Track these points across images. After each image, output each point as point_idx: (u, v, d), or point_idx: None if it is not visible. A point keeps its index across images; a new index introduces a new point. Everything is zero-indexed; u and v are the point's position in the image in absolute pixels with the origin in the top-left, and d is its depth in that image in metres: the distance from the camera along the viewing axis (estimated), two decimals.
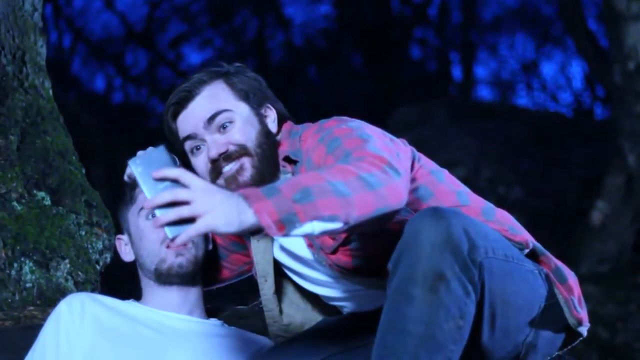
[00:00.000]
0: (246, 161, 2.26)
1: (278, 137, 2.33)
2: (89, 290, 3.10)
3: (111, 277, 3.31)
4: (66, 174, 3.28)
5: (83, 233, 3.22)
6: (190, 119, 2.29)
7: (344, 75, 14.69)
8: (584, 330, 2.21)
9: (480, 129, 9.63)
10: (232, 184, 2.24)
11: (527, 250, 2.19)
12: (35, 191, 3.19)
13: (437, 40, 15.02)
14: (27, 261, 3.05)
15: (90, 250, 3.22)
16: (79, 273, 3.15)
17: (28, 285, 3.04)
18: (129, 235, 2.51)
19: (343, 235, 2.19)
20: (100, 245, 3.25)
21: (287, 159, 2.29)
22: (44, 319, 2.44)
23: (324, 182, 1.90)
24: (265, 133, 2.30)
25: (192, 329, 2.45)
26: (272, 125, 2.33)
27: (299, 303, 2.47)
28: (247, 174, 2.25)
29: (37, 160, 3.24)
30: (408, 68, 14.88)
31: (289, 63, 14.75)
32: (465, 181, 2.45)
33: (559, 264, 2.23)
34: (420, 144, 2.63)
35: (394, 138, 2.28)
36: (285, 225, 1.84)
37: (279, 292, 2.44)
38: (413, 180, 2.23)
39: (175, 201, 1.83)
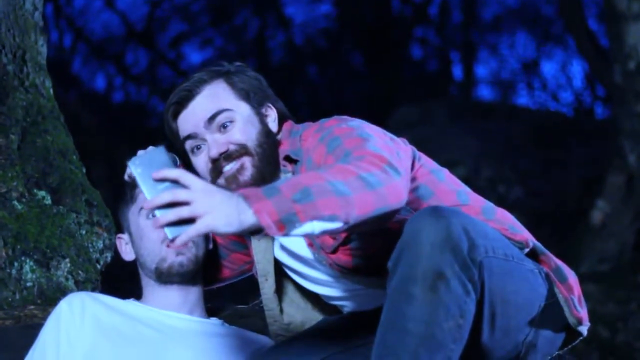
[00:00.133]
0: (247, 161, 2.26)
1: (278, 137, 2.33)
2: (90, 290, 3.10)
3: (112, 277, 3.31)
4: (67, 173, 3.29)
5: (83, 232, 3.22)
6: (190, 119, 2.29)
7: (344, 75, 14.69)
8: (584, 329, 2.21)
9: (481, 129, 9.63)
10: (233, 184, 2.24)
11: (527, 250, 2.19)
12: (35, 190, 3.19)
13: (438, 40, 15.02)
14: (28, 260, 3.05)
15: (91, 250, 3.22)
16: (80, 272, 3.15)
17: (28, 284, 3.04)
18: (130, 234, 2.51)
19: (343, 235, 2.19)
20: (100, 245, 3.25)
21: (288, 159, 2.29)
22: (45, 318, 2.44)
23: (323, 181, 1.90)
24: (266, 132, 2.30)
25: (193, 328, 2.45)
26: (273, 125, 2.33)
27: (299, 302, 2.47)
28: (248, 173, 2.25)
29: (37, 160, 3.24)
30: (408, 68, 14.88)
31: (289, 62, 14.75)
32: (466, 181, 2.45)
33: (559, 263, 2.23)
34: (420, 144, 2.62)
35: (395, 137, 2.28)
36: (285, 225, 1.84)
37: (279, 291, 2.44)
38: (413, 179, 2.23)
39: (174, 202, 1.83)
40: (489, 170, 9.10)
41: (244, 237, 2.47)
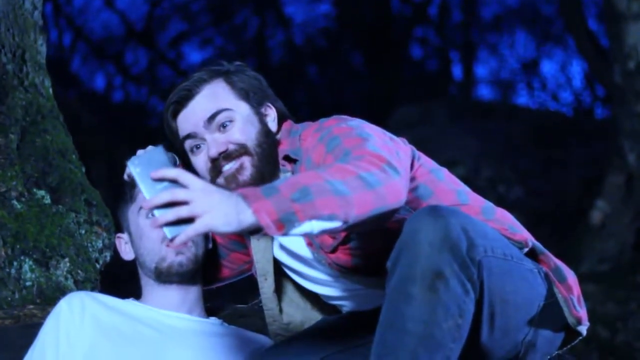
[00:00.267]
0: (246, 160, 2.26)
1: (278, 136, 2.33)
2: (89, 289, 3.10)
3: (111, 276, 3.31)
4: (66, 172, 3.28)
5: (83, 232, 3.22)
6: (190, 118, 2.29)
7: (344, 75, 14.70)
8: (583, 329, 2.21)
9: (481, 129, 9.63)
10: (232, 183, 2.24)
11: (526, 249, 2.19)
12: (35, 190, 3.19)
13: (438, 40, 15.03)
14: (27, 260, 3.05)
15: (90, 249, 3.22)
16: (79, 272, 3.15)
17: (28, 283, 3.04)
18: (129, 233, 2.51)
19: (342, 234, 2.19)
20: (100, 244, 3.25)
21: (287, 158, 2.29)
22: (44, 318, 2.44)
23: (322, 181, 1.90)
24: (265, 132, 2.30)
25: (192, 327, 2.45)
26: (272, 124, 2.33)
27: (298, 302, 2.47)
28: (247, 173, 2.25)
29: (37, 159, 3.24)
30: (408, 67, 14.89)
31: (289, 62, 14.76)
32: (465, 181, 2.45)
33: (559, 263, 2.23)
34: (420, 144, 2.62)
35: (394, 137, 2.28)
36: (284, 225, 1.84)
37: (278, 291, 2.44)
38: (413, 179, 2.23)
39: (173, 201, 1.83)
40: (489, 170, 9.10)
41: (243, 237, 2.47)
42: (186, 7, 14.65)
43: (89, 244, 3.23)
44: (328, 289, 2.37)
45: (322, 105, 13.89)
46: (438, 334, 1.92)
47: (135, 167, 1.94)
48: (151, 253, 2.44)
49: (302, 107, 13.61)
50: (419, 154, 2.32)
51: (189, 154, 2.32)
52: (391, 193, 1.98)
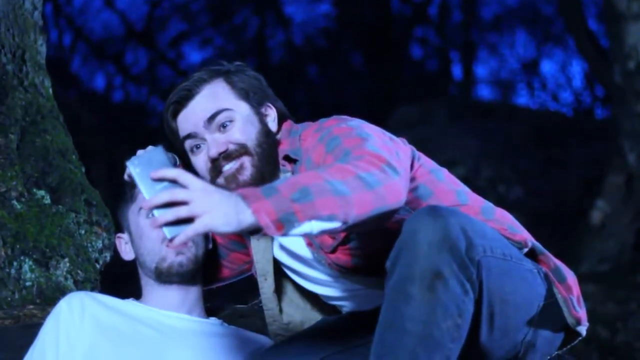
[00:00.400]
0: (246, 160, 2.26)
1: (278, 136, 2.33)
2: (89, 289, 3.10)
3: (111, 276, 3.31)
4: (66, 172, 3.29)
5: (83, 232, 3.22)
6: (190, 118, 2.29)
7: (344, 75, 14.70)
8: (582, 329, 2.21)
9: (480, 129, 9.64)
10: (232, 183, 2.24)
11: (526, 250, 2.19)
12: (35, 190, 3.19)
13: (437, 40, 15.03)
14: (27, 260, 3.05)
15: (90, 249, 3.22)
16: (79, 272, 3.15)
17: (28, 284, 3.04)
18: (129, 233, 2.51)
19: (342, 235, 2.19)
20: (100, 244, 3.25)
21: (287, 158, 2.29)
22: (44, 318, 2.44)
23: (322, 181, 1.90)
24: (265, 132, 2.30)
25: (192, 328, 2.45)
26: (272, 124, 2.33)
27: (298, 302, 2.47)
28: (247, 173, 2.25)
29: (36, 159, 3.24)
30: (408, 67, 14.89)
31: (289, 62, 14.76)
32: (465, 181, 2.45)
33: (558, 263, 2.23)
34: (420, 144, 2.62)
35: (394, 137, 2.28)
36: (284, 225, 1.84)
37: (278, 291, 2.44)
38: (413, 179, 2.23)
39: (173, 201, 1.83)
40: (489, 170, 9.10)
41: (243, 237, 2.47)
42: (186, 7, 14.65)
43: (89, 244, 3.23)
44: (328, 289, 2.37)
45: (322, 105, 13.90)
46: (437, 334, 1.92)
47: (135, 167, 1.94)
48: (151, 253, 2.44)
49: (302, 107, 13.61)
50: (419, 154, 2.32)
51: (189, 154, 2.32)
52: (391, 193, 1.98)
